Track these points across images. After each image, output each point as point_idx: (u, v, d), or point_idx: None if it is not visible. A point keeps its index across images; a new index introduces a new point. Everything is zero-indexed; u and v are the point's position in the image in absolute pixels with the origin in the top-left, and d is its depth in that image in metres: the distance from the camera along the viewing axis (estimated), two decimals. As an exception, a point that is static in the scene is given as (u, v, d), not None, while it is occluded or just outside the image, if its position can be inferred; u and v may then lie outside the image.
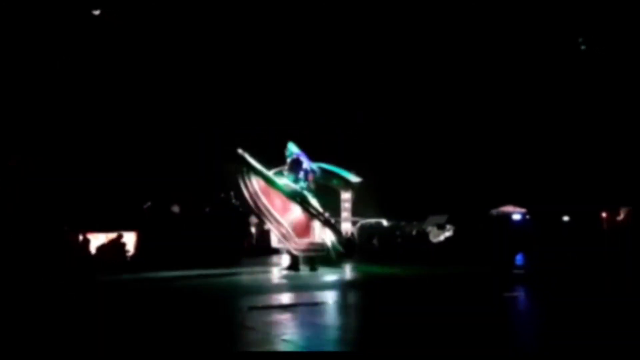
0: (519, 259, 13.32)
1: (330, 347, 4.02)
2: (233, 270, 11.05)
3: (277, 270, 11.21)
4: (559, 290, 7.53)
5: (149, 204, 14.09)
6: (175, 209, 14.07)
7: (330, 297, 7.08)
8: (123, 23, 17.87)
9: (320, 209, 11.20)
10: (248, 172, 10.21)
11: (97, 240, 13.06)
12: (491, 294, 7.25)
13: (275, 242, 11.94)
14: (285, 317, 5.57)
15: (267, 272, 11.25)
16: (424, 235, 19.24)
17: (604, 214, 21.24)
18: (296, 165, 10.94)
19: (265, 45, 20.32)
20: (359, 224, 21.68)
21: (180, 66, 19.65)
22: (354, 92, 22.98)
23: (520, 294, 7.50)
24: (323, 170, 12.21)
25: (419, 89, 23.77)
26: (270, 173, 10.68)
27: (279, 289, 8.40)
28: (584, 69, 21.75)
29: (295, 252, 10.68)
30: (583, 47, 21.74)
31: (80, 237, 12.76)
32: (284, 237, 10.56)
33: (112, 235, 13.14)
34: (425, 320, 5.12)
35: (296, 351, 3.29)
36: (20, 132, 15.35)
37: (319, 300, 6.68)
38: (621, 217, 21.03)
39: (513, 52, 22.46)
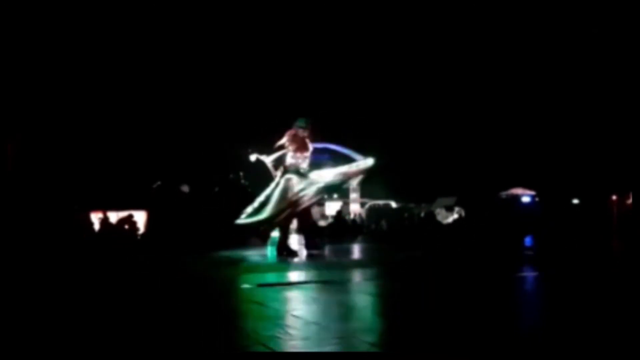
0: (527, 241, 13.32)
1: (339, 324, 4.05)
2: (242, 249, 11.12)
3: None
4: (566, 273, 7.52)
5: (158, 183, 14.16)
6: (185, 188, 14.13)
7: (338, 276, 7.12)
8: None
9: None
10: None
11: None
12: (500, 275, 7.26)
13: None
14: (294, 294, 5.61)
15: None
16: (432, 217, 19.25)
17: (614, 197, 21.15)
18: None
19: (278, 30, 20.23)
20: (367, 206, 21.73)
21: (188, 49, 19.60)
22: (364, 73, 22.87)
23: (528, 275, 7.51)
24: (332, 152, 12.03)
25: (430, 71, 23.60)
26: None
27: (287, 267, 8.46)
28: (597, 53, 21.52)
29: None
30: (595, 32, 21.51)
31: (98, 216, 12.89)
32: None
33: (122, 214, 13.25)
34: (433, 299, 5.14)
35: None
36: (28, 114, 15.39)
37: (327, 278, 6.72)
38: (631, 200, 20.92)
39: (524, 36, 22.24)
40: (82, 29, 17.49)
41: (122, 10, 18.15)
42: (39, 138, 15.12)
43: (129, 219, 13.13)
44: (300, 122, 10.42)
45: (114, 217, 13.24)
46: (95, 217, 13.03)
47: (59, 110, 16.47)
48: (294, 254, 9.89)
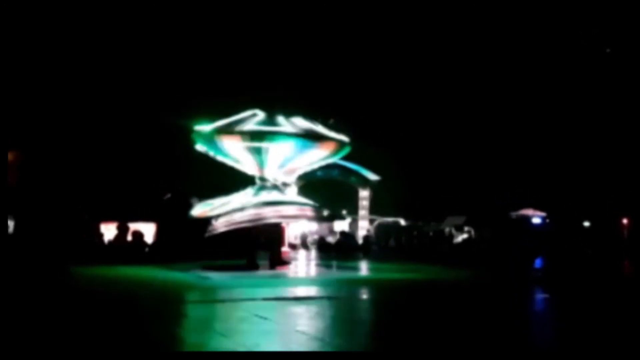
0: (538, 262, 13.19)
1: (341, 339, 4.03)
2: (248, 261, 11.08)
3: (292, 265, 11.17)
4: (575, 294, 7.45)
5: (168, 195, 14.21)
6: (195, 201, 14.15)
7: (341, 292, 7.10)
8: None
9: None
10: None
11: (109, 231, 13.20)
12: (511, 296, 7.19)
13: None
14: (298, 309, 5.59)
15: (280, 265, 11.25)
16: (441, 235, 19.14)
17: (624, 220, 20.95)
18: None
19: (285, 36, 20.28)
20: (376, 223, 21.59)
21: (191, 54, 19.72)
22: (375, 89, 22.91)
23: (539, 296, 7.45)
24: (341, 168, 12.01)
25: (441, 90, 23.62)
26: None
27: (293, 281, 8.44)
28: (608, 71, 21.46)
29: None
30: (607, 51, 21.48)
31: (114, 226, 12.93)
32: None
33: (133, 226, 13.26)
34: (439, 317, 5.12)
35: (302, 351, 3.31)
36: (42, 125, 15.49)
37: (330, 294, 6.71)
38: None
39: (536, 55, 22.24)
40: (87, 35, 17.65)
41: (128, 17, 18.35)
42: (51, 150, 15.24)
43: (139, 233, 13.10)
44: None
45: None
46: (105, 228, 13.11)
47: (71, 124, 16.58)
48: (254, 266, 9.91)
